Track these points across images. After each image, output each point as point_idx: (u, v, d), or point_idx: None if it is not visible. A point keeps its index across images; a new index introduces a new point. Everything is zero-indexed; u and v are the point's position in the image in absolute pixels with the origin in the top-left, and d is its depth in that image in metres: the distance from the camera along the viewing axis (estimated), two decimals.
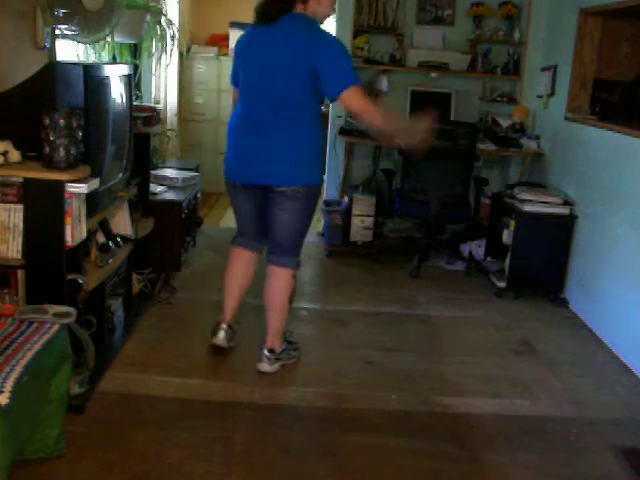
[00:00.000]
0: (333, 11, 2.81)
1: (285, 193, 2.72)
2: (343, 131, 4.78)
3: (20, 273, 2.43)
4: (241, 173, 2.80)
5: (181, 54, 5.84)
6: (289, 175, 2.71)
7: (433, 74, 4.98)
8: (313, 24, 2.63)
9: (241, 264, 3.01)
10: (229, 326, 3.05)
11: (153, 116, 3.62)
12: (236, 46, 2.84)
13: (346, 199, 4.82)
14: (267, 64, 2.64)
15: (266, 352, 2.93)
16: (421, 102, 5.00)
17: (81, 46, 3.41)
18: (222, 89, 6.33)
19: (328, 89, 2.61)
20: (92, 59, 3.57)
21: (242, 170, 2.79)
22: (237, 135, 2.80)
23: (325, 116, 2.77)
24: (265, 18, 2.63)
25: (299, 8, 2.63)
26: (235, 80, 2.85)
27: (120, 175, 3.04)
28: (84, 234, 2.54)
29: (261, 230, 2.95)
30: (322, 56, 2.56)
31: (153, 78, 4.86)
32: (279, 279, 2.89)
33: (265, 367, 2.93)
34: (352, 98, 2.57)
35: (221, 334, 3.02)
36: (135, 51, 4.34)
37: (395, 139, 2.84)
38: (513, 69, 5.00)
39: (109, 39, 3.43)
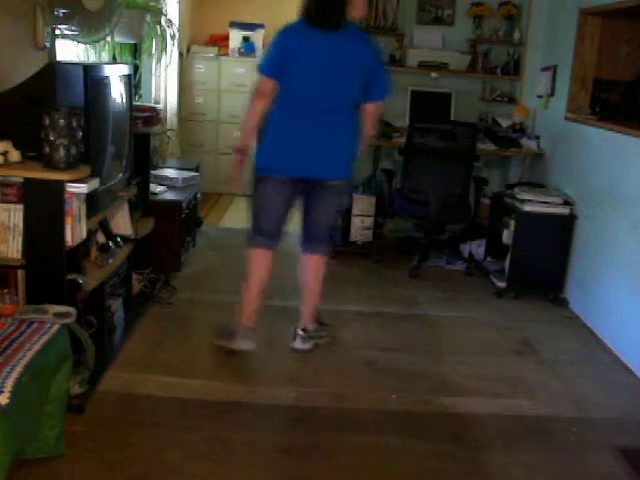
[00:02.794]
0: (365, 13, 3.03)
1: (334, 187, 2.93)
2: None
3: (20, 273, 2.43)
4: (293, 167, 2.88)
5: (181, 54, 5.83)
6: (341, 169, 2.96)
7: (433, 74, 4.98)
8: (364, 33, 2.98)
9: (264, 267, 3.05)
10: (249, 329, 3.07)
11: (153, 116, 3.62)
12: (283, 40, 2.84)
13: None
14: (332, 66, 2.82)
15: (300, 331, 3.14)
16: (421, 102, 5.00)
17: (81, 46, 3.41)
18: (222, 89, 6.33)
19: (376, 93, 2.93)
20: (92, 59, 3.57)
21: (295, 164, 2.88)
22: (289, 129, 2.87)
23: None
24: (326, 24, 2.79)
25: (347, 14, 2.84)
26: (276, 72, 2.82)
27: (120, 175, 3.03)
28: (84, 234, 2.54)
29: (282, 227, 3.07)
30: (378, 65, 2.94)
31: (153, 78, 4.86)
32: (319, 266, 3.11)
33: (298, 344, 3.14)
34: (381, 106, 2.99)
35: (244, 339, 3.03)
36: (135, 51, 4.34)
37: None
38: (513, 69, 5.00)
39: (109, 39, 3.43)
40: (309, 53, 2.81)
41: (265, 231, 3.03)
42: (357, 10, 2.85)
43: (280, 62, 2.82)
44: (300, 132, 2.86)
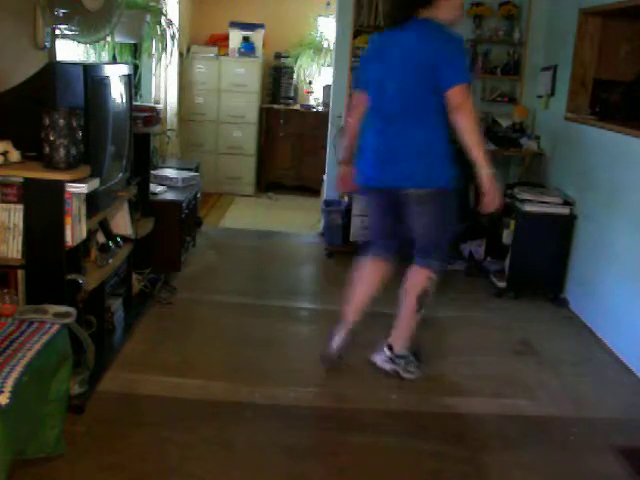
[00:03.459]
0: (457, 16, 2.78)
1: (412, 196, 2.74)
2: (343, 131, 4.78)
3: (20, 273, 2.43)
4: (375, 176, 2.81)
5: (181, 54, 5.84)
6: (416, 177, 2.72)
7: None
8: (437, 26, 2.70)
9: (371, 276, 2.96)
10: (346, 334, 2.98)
11: (153, 116, 3.62)
12: (368, 51, 2.91)
13: (346, 199, 4.82)
14: (398, 66, 2.71)
15: (385, 347, 3.01)
16: None
17: (81, 46, 3.41)
18: (222, 89, 6.33)
19: (444, 80, 2.62)
20: (92, 59, 3.57)
21: (376, 173, 2.80)
22: (371, 137, 2.82)
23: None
24: (392, 22, 2.78)
25: (423, 13, 2.71)
26: (361, 84, 2.88)
27: (120, 175, 3.04)
28: (84, 234, 2.54)
29: (395, 239, 2.94)
30: (444, 52, 2.64)
31: (153, 78, 4.86)
32: (416, 279, 2.90)
33: (377, 359, 3.02)
34: (461, 92, 2.61)
35: (336, 339, 2.96)
36: (135, 51, 4.34)
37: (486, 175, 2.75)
38: (513, 69, 5.00)
39: (109, 39, 3.43)
40: (377, 58, 2.81)
41: (373, 239, 2.99)
42: (440, 11, 2.68)
43: (361, 74, 2.90)
44: (374, 139, 2.79)
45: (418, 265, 2.90)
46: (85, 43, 3.21)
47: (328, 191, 5.16)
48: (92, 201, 2.57)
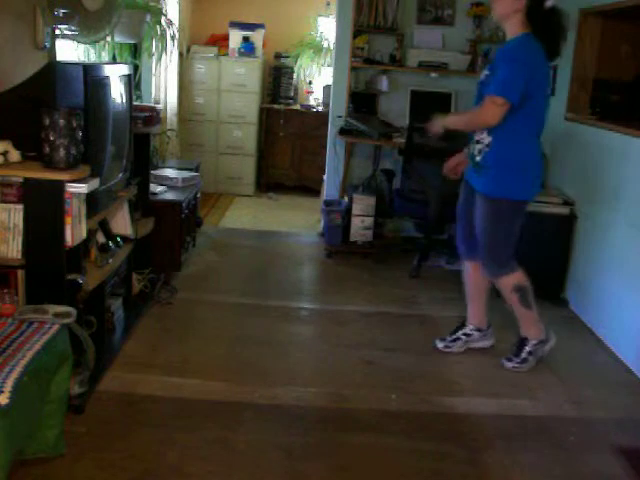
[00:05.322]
0: (497, 13, 2.95)
1: (479, 199, 3.09)
2: (343, 131, 4.78)
3: (20, 273, 2.44)
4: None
5: (181, 54, 5.84)
6: (483, 181, 3.05)
7: (433, 74, 4.98)
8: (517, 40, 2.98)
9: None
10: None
11: (153, 116, 3.63)
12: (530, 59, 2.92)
13: (346, 199, 4.82)
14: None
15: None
16: (421, 102, 5.00)
17: (81, 46, 3.41)
18: (222, 89, 6.33)
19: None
20: (92, 59, 3.57)
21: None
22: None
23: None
24: None
25: None
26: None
27: (120, 175, 3.04)
28: (84, 234, 2.54)
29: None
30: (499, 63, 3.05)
31: (153, 78, 4.86)
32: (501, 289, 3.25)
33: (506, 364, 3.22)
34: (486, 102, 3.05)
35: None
36: (135, 51, 4.34)
37: None
38: None
39: (109, 39, 3.43)
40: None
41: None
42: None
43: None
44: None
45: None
46: (85, 43, 3.21)
47: (328, 191, 5.16)
48: (92, 201, 2.58)
